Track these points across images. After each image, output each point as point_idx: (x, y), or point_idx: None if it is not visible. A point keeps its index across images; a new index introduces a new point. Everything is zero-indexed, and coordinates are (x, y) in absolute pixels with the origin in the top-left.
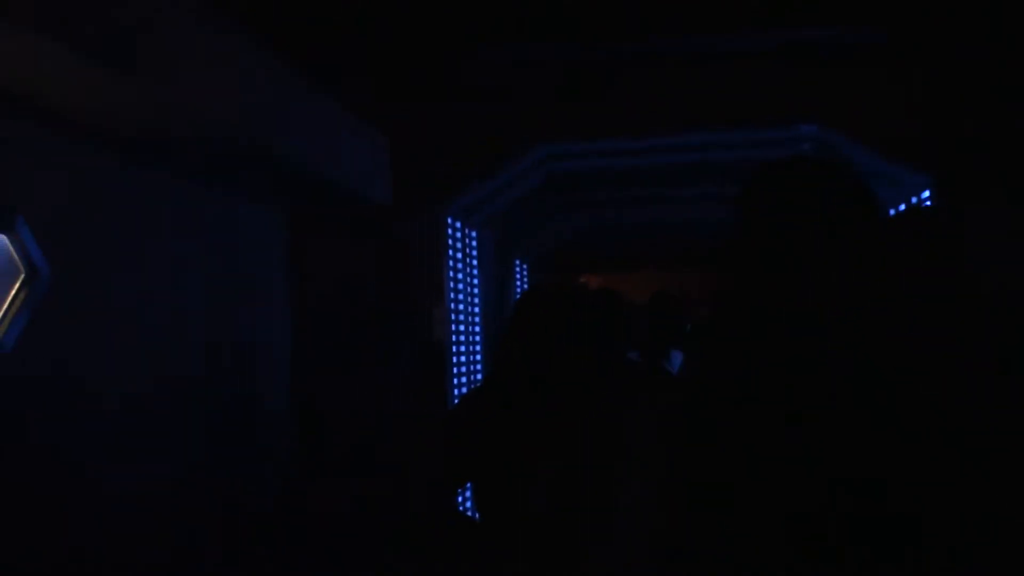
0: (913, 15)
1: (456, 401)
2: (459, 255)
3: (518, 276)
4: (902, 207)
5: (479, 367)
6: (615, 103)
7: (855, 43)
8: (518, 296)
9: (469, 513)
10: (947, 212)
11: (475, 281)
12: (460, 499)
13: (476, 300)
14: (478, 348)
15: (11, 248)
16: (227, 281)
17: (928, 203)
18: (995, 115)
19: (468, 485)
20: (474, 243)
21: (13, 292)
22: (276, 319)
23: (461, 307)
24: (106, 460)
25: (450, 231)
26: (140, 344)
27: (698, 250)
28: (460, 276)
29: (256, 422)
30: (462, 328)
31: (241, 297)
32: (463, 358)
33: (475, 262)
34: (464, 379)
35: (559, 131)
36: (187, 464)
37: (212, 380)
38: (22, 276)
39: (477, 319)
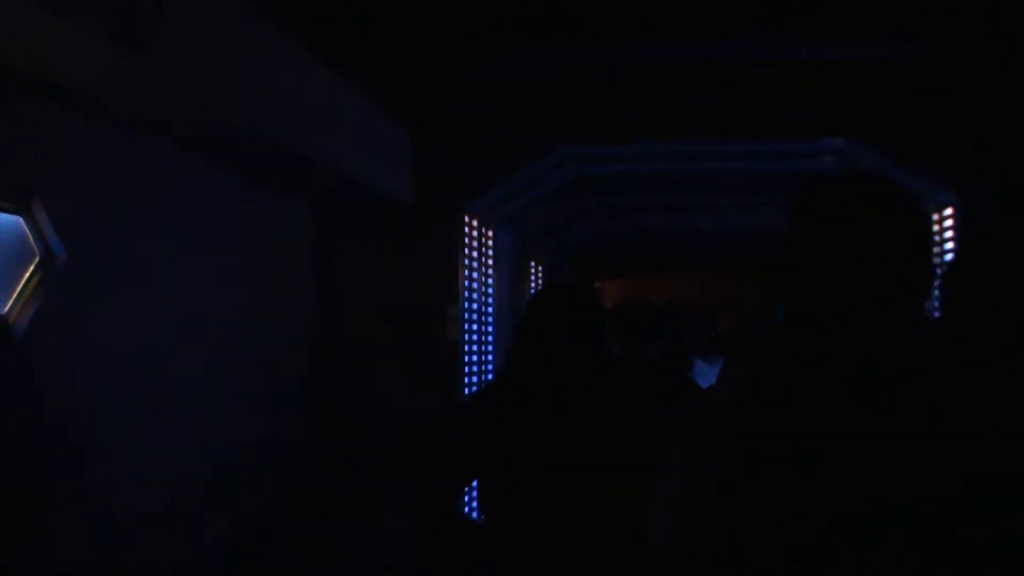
0: (947, 32)
1: (466, 399)
2: (475, 254)
3: (534, 277)
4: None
5: (491, 367)
6: (639, 108)
7: (886, 58)
8: (531, 296)
9: (473, 515)
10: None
11: (490, 281)
12: (464, 499)
13: (490, 300)
14: (491, 348)
15: (27, 231)
16: (259, 272)
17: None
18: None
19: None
20: (490, 243)
21: (28, 274)
22: (303, 313)
23: (475, 306)
24: (121, 448)
25: (467, 230)
26: (170, 328)
27: (719, 257)
28: (476, 275)
29: (278, 414)
30: (475, 328)
31: (272, 288)
32: (475, 357)
33: (491, 262)
34: (476, 378)
35: (580, 134)
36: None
37: (242, 363)
38: (37, 258)
39: (490, 319)
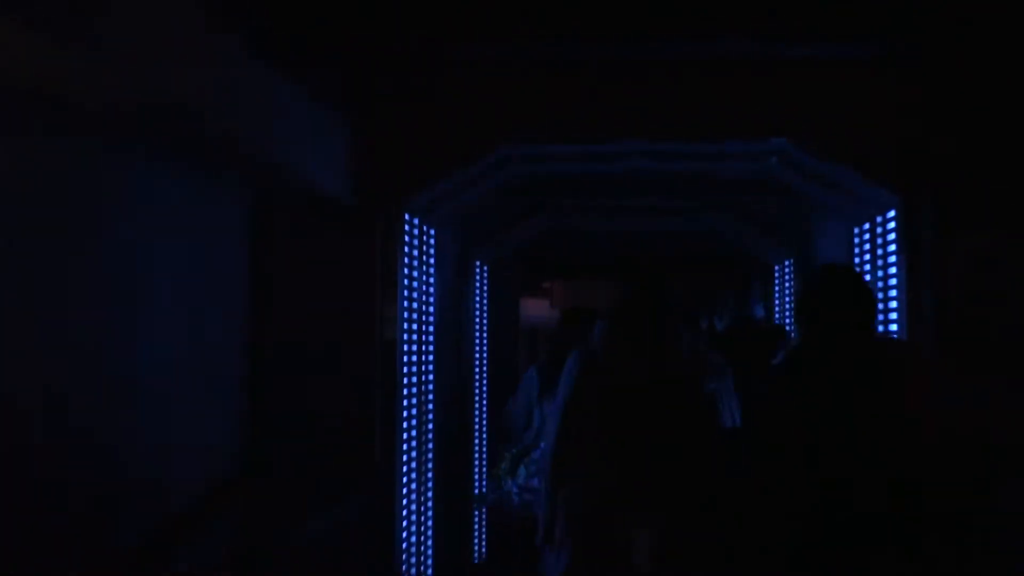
0: (890, 33)
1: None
2: (416, 252)
3: (478, 278)
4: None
5: (431, 368)
6: (586, 106)
7: (832, 57)
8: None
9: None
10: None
11: (431, 280)
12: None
13: (431, 300)
14: (431, 350)
15: None
16: (191, 268)
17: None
18: (973, 138)
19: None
20: (432, 241)
21: None
22: (236, 310)
23: (416, 306)
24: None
25: (408, 228)
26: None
27: (666, 259)
28: (416, 275)
29: (212, 414)
30: (415, 328)
31: (204, 284)
32: (414, 359)
33: (432, 260)
34: (415, 379)
35: (525, 132)
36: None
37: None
38: None
39: (431, 320)
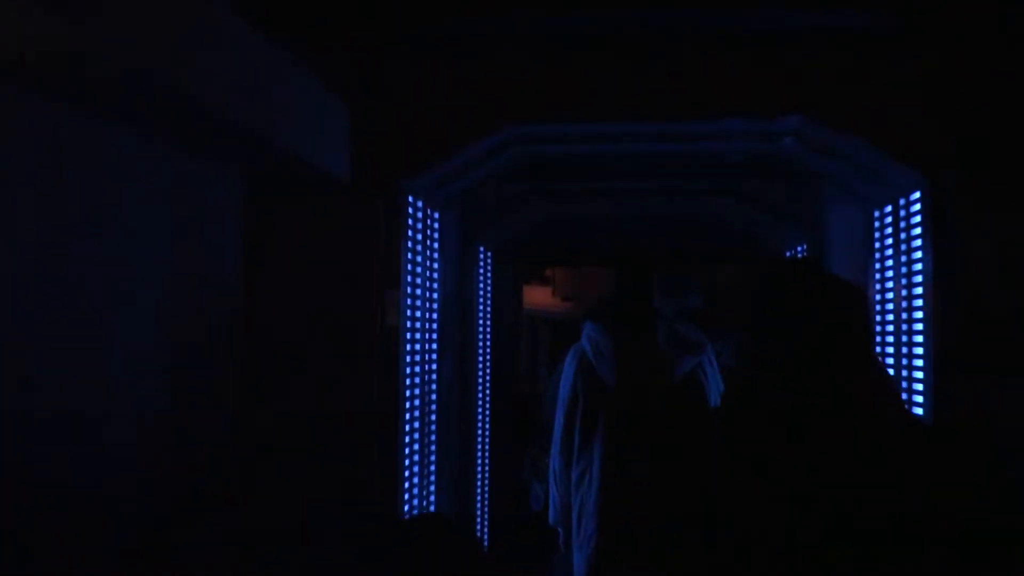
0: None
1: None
2: (419, 236)
3: (482, 264)
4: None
5: (435, 356)
6: (588, 86)
7: (852, 28)
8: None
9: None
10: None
11: (435, 266)
12: None
13: (435, 287)
14: (434, 338)
15: None
16: (183, 249)
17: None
18: (1009, 114)
19: None
20: (436, 224)
21: None
22: (229, 295)
23: (420, 292)
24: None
25: (411, 210)
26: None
27: (678, 247)
28: (419, 259)
29: (201, 407)
30: (419, 315)
31: (196, 267)
32: (417, 347)
33: (436, 245)
34: (418, 368)
35: (531, 110)
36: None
37: (160, 350)
38: None
39: (435, 307)
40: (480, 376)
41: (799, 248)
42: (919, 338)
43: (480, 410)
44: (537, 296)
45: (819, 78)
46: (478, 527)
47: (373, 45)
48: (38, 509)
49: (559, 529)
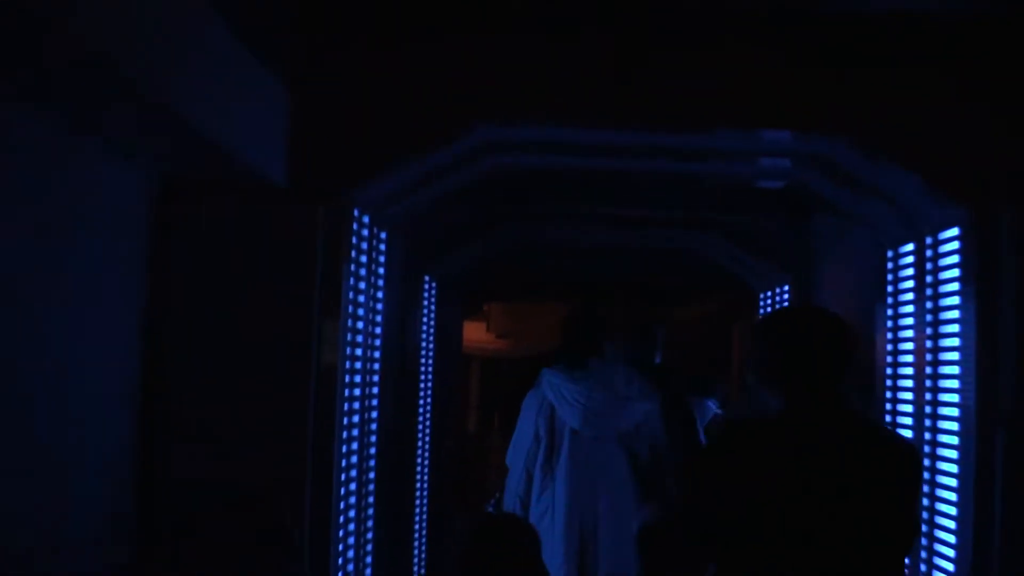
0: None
1: None
2: (364, 259)
3: (427, 295)
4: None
5: (376, 402)
6: (575, 86)
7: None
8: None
9: None
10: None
11: (379, 295)
12: None
13: (379, 319)
14: (375, 379)
15: None
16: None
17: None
18: None
19: None
20: (383, 247)
21: None
22: (126, 328)
23: (360, 325)
24: None
25: (356, 227)
26: None
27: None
28: (363, 286)
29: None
30: (359, 353)
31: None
32: (357, 391)
33: (382, 270)
34: (356, 404)
35: (504, 110)
36: None
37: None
38: None
39: (378, 342)
40: (420, 425)
41: (782, 288)
42: (950, 396)
43: (420, 467)
44: (471, 332)
45: (853, 97)
46: None
47: (325, 18)
48: None
49: None
